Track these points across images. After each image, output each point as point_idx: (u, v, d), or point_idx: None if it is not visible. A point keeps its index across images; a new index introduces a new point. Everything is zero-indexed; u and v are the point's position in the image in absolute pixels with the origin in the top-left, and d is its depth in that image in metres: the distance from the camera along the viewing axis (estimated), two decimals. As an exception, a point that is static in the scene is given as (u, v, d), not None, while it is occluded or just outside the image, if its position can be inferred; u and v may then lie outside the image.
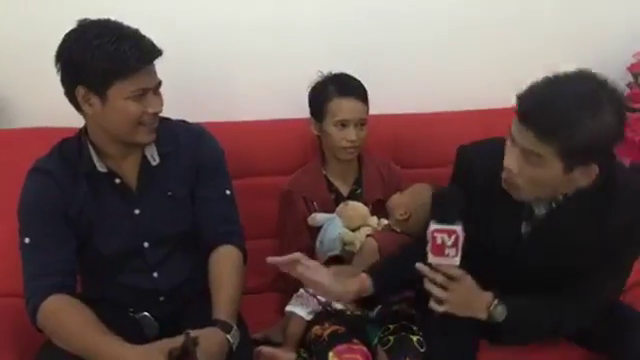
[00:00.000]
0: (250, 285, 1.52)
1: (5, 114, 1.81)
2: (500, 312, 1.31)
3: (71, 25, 1.30)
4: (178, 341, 1.24)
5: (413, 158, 1.98)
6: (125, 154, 1.42)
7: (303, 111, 1.80)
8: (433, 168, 1.94)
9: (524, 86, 1.21)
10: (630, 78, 2.17)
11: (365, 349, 1.47)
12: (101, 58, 1.25)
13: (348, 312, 1.59)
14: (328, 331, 1.52)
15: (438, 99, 2.04)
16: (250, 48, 1.93)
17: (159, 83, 1.37)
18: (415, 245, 1.41)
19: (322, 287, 1.40)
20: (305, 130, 1.81)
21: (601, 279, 1.33)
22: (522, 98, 1.20)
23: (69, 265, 1.37)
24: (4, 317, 1.51)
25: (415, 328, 1.55)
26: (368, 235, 1.68)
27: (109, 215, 1.41)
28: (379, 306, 1.60)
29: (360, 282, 1.42)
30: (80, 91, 1.30)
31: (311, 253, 1.72)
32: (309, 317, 1.60)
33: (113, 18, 1.32)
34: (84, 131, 1.41)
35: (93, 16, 1.31)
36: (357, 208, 1.73)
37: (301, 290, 1.63)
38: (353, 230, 1.69)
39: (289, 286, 1.66)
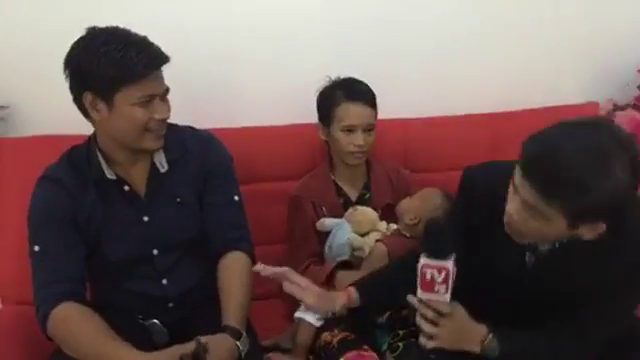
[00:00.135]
0: (258, 291, 1.52)
1: (15, 122, 1.82)
2: (494, 347, 1.24)
3: (80, 33, 1.31)
4: (188, 348, 1.24)
5: (422, 162, 1.97)
6: (133, 161, 1.42)
7: (310, 117, 1.79)
8: (442, 172, 1.93)
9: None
10: (640, 80, 2.15)
11: (375, 355, 1.46)
12: (108, 65, 1.26)
13: None
14: (338, 337, 1.51)
15: (447, 103, 2.03)
16: (256, 54, 1.92)
17: (167, 90, 1.37)
18: (407, 258, 1.35)
19: (310, 307, 1.42)
20: (313, 135, 1.81)
21: (605, 311, 1.24)
22: (527, 147, 1.09)
23: (78, 272, 1.37)
24: (15, 325, 1.52)
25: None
26: (377, 240, 1.67)
27: (118, 222, 1.41)
28: (389, 312, 1.59)
29: (347, 295, 1.41)
30: (87, 97, 1.30)
31: (320, 258, 1.72)
32: (318, 323, 1.58)
33: (121, 26, 1.32)
34: (93, 138, 1.42)
35: (101, 24, 1.32)
36: (366, 213, 1.72)
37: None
38: (362, 235, 1.68)
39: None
